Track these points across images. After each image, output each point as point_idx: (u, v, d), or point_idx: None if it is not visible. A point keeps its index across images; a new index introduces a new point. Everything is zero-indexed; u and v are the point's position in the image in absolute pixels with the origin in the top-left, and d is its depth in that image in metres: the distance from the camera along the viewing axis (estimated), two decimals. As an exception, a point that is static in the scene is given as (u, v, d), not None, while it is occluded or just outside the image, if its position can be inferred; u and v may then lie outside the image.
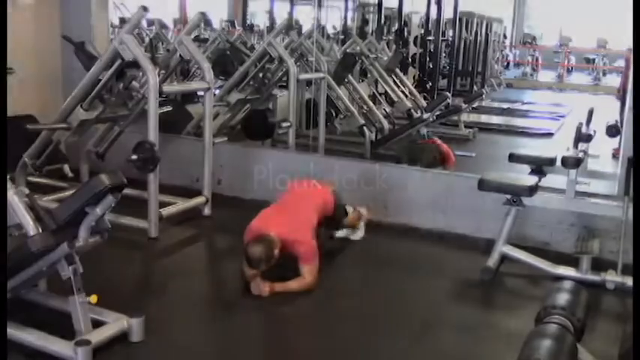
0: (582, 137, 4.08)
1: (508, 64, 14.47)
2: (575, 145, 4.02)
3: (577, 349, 1.89)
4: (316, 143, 6.08)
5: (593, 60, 14.80)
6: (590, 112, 4.41)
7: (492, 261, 3.80)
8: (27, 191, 2.80)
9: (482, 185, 3.88)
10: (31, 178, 4.73)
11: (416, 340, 3.07)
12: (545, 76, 14.93)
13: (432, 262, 4.10)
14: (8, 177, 2.77)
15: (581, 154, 3.93)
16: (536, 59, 14.85)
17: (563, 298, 2.05)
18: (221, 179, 5.22)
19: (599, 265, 3.74)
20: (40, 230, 2.63)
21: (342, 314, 3.33)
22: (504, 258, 3.86)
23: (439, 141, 6.02)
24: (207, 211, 4.74)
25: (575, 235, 4.11)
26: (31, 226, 2.63)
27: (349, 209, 4.25)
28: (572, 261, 3.78)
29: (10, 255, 2.69)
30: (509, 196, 3.80)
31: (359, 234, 4.35)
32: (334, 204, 3.91)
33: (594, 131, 4.29)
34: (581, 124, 4.16)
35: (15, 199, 2.69)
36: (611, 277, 3.63)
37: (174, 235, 4.40)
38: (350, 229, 4.31)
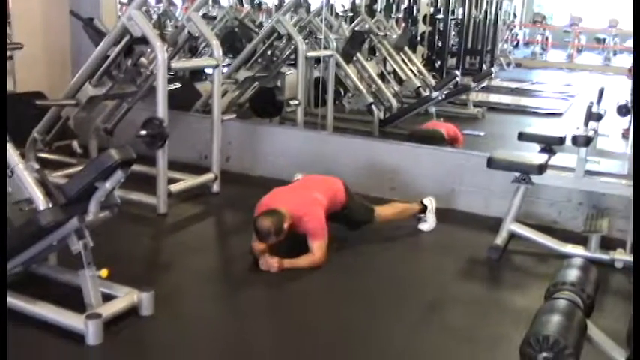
0: (593, 116, 4.06)
1: (517, 43, 14.34)
2: (586, 124, 3.99)
3: (586, 325, 1.89)
4: (324, 121, 6.06)
5: (604, 40, 14.64)
6: (601, 92, 4.38)
7: (500, 239, 3.80)
8: (37, 166, 2.82)
9: (491, 163, 3.87)
10: (40, 155, 4.75)
11: (424, 317, 3.09)
12: (555, 55, 14.79)
13: (441, 240, 4.10)
14: (19, 153, 2.78)
15: (591, 133, 3.90)
16: (546, 39, 14.70)
17: (572, 275, 2.04)
18: (229, 156, 5.22)
19: (607, 243, 3.73)
20: (51, 205, 2.65)
21: (350, 291, 3.35)
22: (512, 236, 3.85)
23: (444, 127, 5.92)
24: (215, 188, 4.75)
25: (583, 214, 4.10)
26: (41, 201, 2.64)
27: (386, 207, 4.11)
28: (580, 239, 3.78)
29: (20, 229, 2.72)
30: (518, 174, 3.79)
31: (427, 225, 4.20)
32: (345, 194, 3.87)
33: (604, 110, 4.26)
34: (591, 103, 4.14)
35: (25, 174, 2.70)
36: (620, 256, 3.63)
37: (183, 211, 4.42)
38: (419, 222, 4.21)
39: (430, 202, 4.23)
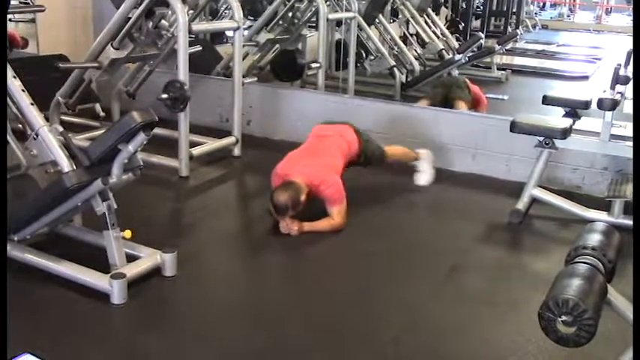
0: (620, 79, 3.97)
1: (544, 4, 14.01)
2: (612, 87, 3.91)
3: (607, 290, 1.88)
4: (346, 85, 6.02)
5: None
6: (629, 54, 4.28)
7: (522, 204, 3.78)
8: (61, 129, 2.84)
9: (515, 127, 3.82)
10: (63, 117, 4.79)
11: (443, 280, 3.10)
12: (583, 17, 14.45)
13: (462, 205, 4.10)
14: (42, 115, 2.81)
15: (618, 96, 3.82)
16: (574, -1, 14.34)
17: (594, 239, 2.02)
18: (250, 120, 5.23)
19: (631, 209, 3.69)
20: (75, 167, 2.68)
21: (370, 255, 3.36)
22: (534, 201, 3.83)
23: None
24: (236, 151, 4.77)
25: (607, 179, 4.05)
26: (65, 163, 2.68)
27: (392, 146, 4.15)
28: (604, 205, 3.74)
29: (45, 191, 2.77)
30: (541, 139, 3.74)
31: (422, 179, 4.23)
32: (358, 141, 3.88)
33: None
34: (619, 65, 4.05)
35: (50, 137, 2.73)
36: (644, 222, 3.59)
37: (205, 174, 4.45)
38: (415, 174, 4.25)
39: (424, 153, 4.25)
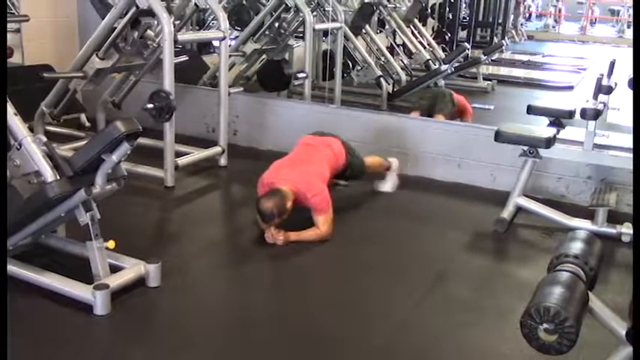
0: (602, 89, 4.01)
1: (530, 15, 14.15)
2: (595, 97, 3.95)
3: (588, 297, 1.89)
4: (332, 95, 6.04)
5: (618, 12, 14.42)
6: (612, 64, 4.32)
7: (507, 213, 3.79)
8: (45, 139, 2.83)
9: (499, 137, 3.85)
10: (48, 128, 4.77)
11: (430, 288, 3.10)
12: (568, 28, 14.60)
13: (448, 214, 4.11)
14: (27, 126, 2.80)
15: (600, 106, 3.86)
16: (559, 10, 14.51)
17: (576, 247, 2.04)
18: (237, 130, 5.23)
19: (615, 217, 3.72)
20: (58, 177, 2.66)
21: (355, 263, 3.36)
22: (519, 210, 3.85)
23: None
24: (222, 161, 4.76)
25: (591, 188, 4.09)
26: (49, 173, 2.66)
27: (370, 157, 4.18)
28: (588, 213, 3.77)
29: (28, 201, 2.74)
30: (525, 148, 3.77)
31: (388, 185, 4.30)
32: (346, 153, 3.90)
33: (615, 83, 4.21)
34: (602, 75, 4.09)
35: (33, 147, 2.71)
36: (627, 230, 3.61)
37: (190, 184, 4.44)
38: (379, 181, 4.29)
39: (395, 162, 4.30)
